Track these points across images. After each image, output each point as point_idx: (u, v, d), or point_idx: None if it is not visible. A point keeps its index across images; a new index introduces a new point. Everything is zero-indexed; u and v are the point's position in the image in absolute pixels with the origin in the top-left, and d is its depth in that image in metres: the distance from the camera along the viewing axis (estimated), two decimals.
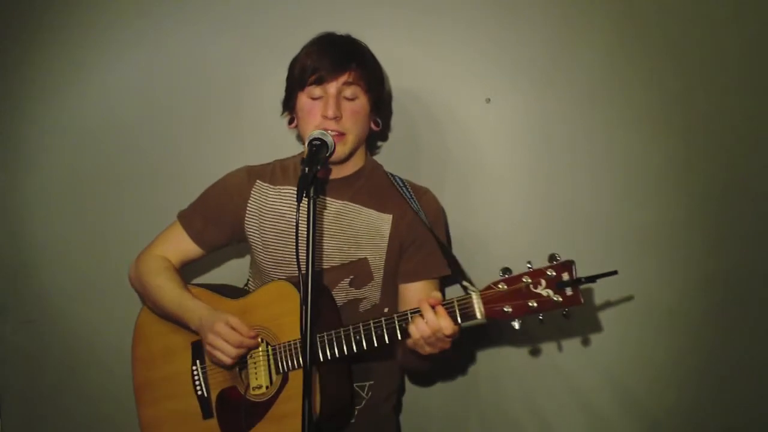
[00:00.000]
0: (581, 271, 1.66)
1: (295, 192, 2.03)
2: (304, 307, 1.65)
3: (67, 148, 2.61)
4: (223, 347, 1.92)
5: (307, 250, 1.66)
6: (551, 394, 2.35)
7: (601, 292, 2.28)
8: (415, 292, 2.01)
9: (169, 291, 2.08)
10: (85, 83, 2.59)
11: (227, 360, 1.94)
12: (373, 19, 2.38)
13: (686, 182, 2.28)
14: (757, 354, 2.26)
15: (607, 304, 2.29)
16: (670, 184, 2.28)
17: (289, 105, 2.07)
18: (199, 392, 2.08)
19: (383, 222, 2.06)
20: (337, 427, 2.04)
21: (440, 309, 1.74)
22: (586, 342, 2.32)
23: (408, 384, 2.40)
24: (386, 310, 2.05)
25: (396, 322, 1.80)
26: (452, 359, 2.01)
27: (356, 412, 2.08)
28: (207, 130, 2.53)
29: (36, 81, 2.62)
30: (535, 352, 2.35)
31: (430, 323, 1.73)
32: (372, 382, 2.10)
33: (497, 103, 2.35)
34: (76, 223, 2.62)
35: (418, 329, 1.75)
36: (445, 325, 1.73)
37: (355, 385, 2.07)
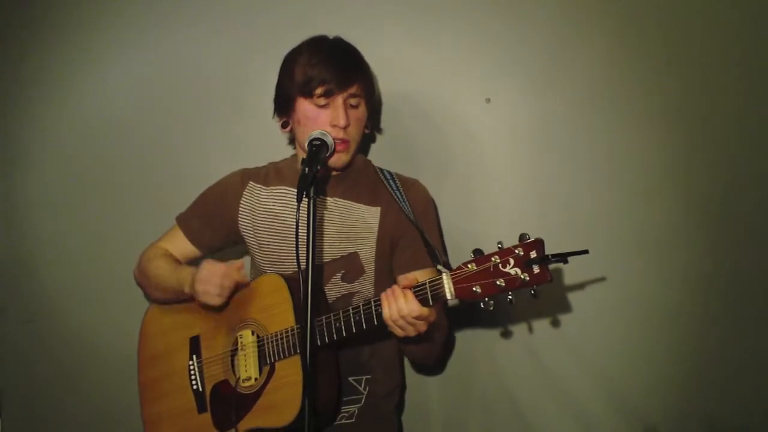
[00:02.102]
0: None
1: (289, 192, 2.07)
2: (304, 306, 1.66)
3: (67, 148, 2.63)
4: (208, 278, 1.97)
5: (307, 249, 1.68)
6: (551, 395, 2.34)
7: (600, 293, 2.28)
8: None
9: (165, 268, 2.14)
10: (85, 83, 2.61)
11: (214, 290, 1.98)
12: (373, 20, 2.39)
13: (686, 182, 2.27)
14: (757, 354, 2.25)
15: (607, 305, 2.29)
16: (670, 184, 2.28)
17: (285, 109, 2.07)
18: (195, 387, 2.10)
19: (372, 215, 2.08)
20: (324, 420, 2.03)
21: (408, 293, 1.75)
22: (585, 344, 2.31)
23: (409, 382, 2.39)
24: None
25: (372, 306, 1.81)
26: (445, 341, 2.02)
27: (356, 412, 2.08)
28: (206, 130, 2.54)
29: (36, 81, 2.63)
30: (534, 353, 2.34)
31: (398, 306, 1.75)
32: (369, 377, 2.10)
33: (497, 103, 2.35)
34: (76, 223, 2.63)
35: (389, 311, 1.76)
36: (412, 308, 1.74)
37: (351, 379, 2.08)
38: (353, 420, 2.08)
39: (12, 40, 2.64)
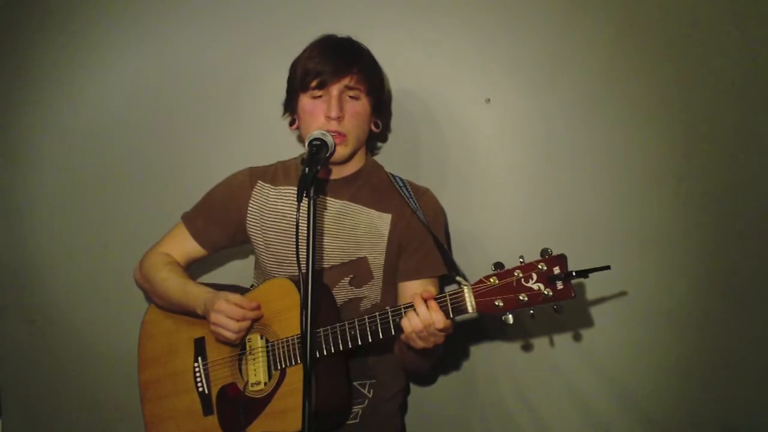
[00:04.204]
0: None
1: (296, 192, 2.06)
2: (304, 306, 1.66)
3: (67, 148, 2.62)
4: (226, 323, 1.94)
5: (308, 249, 1.67)
6: (552, 396, 2.35)
7: (601, 293, 2.28)
8: (414, 290, 2.00)
9: (173, 281, 2.11)
10: (85, 83, 2.60)
11: (231, 336, 1.96)
12: (373, 19, 2.38)
13: (686, 182, 2.28)
14: (757, 354, 2.26)
15: (607, 305, 2.29)
16: (670, 184, 2.28)
17: (291, 107, 2.08)
18: (200, 389, 2.10)
19: (382, 221, 2.07)
20: (335, 424, 2.04)
21: (432, 303, 1.75)
22: (586, 343, 2.32)
23: (412, 384, 2.40)
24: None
25: (390, 316, 1.80)
26: (443, 355, 2.02)
27: (360, 413, 2.08)
28: (207, 130, 2.54)
29: (36, 81, 2.63)
30: (536, 354, 2.35)
31: (422, 317, 1.74)
32: (374, 381, 2.10)
33: (497, 104, 2.35)
34: (76, 223, 2.63)
35: (411, 323, 1.75)
36: (437, 318, 1.73)
37: (356, 383, 2.08)
38: (357, 420, 2.09)
39: (12, 40, 2.63)
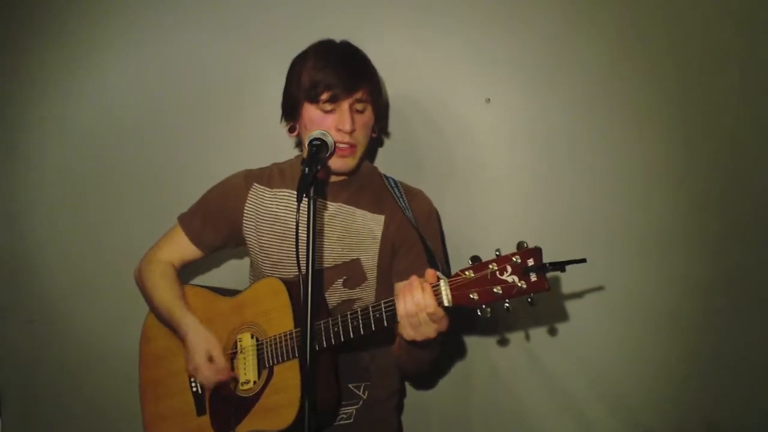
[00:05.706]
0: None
1: (291, 194, 2.07)
2: (304, 308, 1.66)
3: (67, 148, 2.63)
4: (205, 378, 2.04)
5: (307, 250, 1.67)
6: (551, 396, 2.35)
7: (600, 294, 2.28)
8: None
9: (162, 298, 2.14)
10: (85, 83, 2.61)
11: (209, 385, 2.06)
12: (373, 20, 2.39)
13: (686, 183, 2.27)
14: (756, 356, 2.25)
15: (607, 306, 2.29)
16: (670, 184, 2.28)
17: (293, 114, 2.06)
18: (194, 389, 2.11)
19: (376, 223, 2.07)
20: (323, 423, 2.03)
21: (427, 286, 1.72)
22: (586, 344, 2.31)
23: (409, 385, 2.40)
24: None
25: (370, 312, 1.79)
26: (439, 356, 2.01)
27: (354, 413, 2.09)
28: (206, 130, 2.54)
29: (36, 81, 2.63)
30: (534, 355, 2.34)
31: (416, 298, 1.71)
32: (368, 383, 2.10)
33: (497, 103, 2.35)
34: (76, 223, 2.63)
35: (405, 306, 1.72)
36: (429, 302, 1.70)
37: (351, 385, 2.08)
38: (351, 420, 2.09)
39: (12, 40, 2.64)
